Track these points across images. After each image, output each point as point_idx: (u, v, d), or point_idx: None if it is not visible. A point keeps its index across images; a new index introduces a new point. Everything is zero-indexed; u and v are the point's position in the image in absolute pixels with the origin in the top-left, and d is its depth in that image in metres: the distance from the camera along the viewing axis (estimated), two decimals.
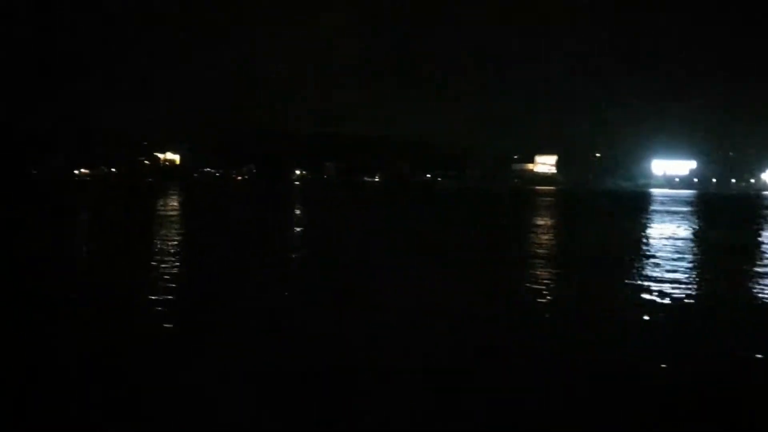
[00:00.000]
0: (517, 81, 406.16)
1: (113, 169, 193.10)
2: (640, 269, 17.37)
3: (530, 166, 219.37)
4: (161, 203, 51.83)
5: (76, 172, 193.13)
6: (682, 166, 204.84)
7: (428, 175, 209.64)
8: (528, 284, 14.57)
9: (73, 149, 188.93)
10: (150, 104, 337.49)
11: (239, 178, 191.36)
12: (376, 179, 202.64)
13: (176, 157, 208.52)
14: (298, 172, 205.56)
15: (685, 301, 12.94)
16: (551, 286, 14.64)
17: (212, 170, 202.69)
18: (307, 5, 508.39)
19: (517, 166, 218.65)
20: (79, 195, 69.17)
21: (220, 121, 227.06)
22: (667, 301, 12.69)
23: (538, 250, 21.92)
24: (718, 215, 54.78)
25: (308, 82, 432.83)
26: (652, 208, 60.46)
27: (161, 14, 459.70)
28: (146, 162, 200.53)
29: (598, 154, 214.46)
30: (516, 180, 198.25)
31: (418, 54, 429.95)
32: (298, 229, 33.64)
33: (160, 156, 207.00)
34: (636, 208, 60.78)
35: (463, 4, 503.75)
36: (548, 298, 13.12)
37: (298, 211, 48.34)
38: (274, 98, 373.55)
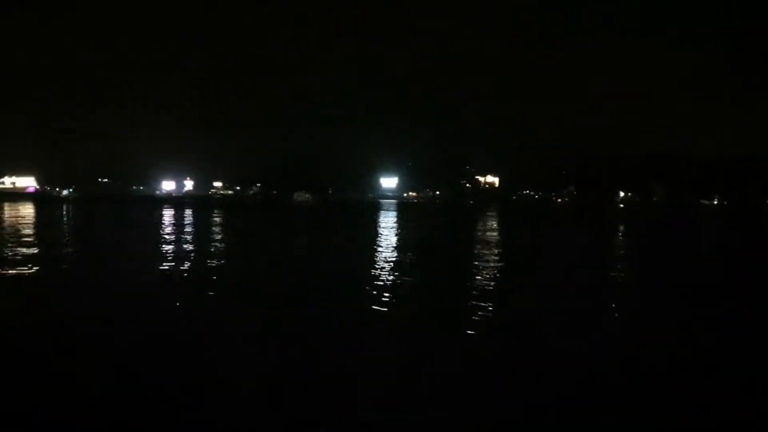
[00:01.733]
0: None
1: (437, 192, 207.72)
2: None
3: None
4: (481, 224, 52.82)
5: (404, 195, 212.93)
6: None
7: None
8: None
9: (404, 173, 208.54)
10: (469, 128, 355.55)
11: (559, 200, 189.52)
12: (714, 202, 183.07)
13: (495, 180, 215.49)
14: (622, 194, 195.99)
15: None
16: None
17: (531, 192, 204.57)
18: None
19: None
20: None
21: (539, 144, 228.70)
22: None
23: None
24: None
25: (630, 103, 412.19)
26: None
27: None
28: (468, 185, 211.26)
29: None
30: None
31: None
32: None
33: (481, 179, 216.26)
34: None
35: None
36: None
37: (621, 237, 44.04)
38: (597, 119, 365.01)
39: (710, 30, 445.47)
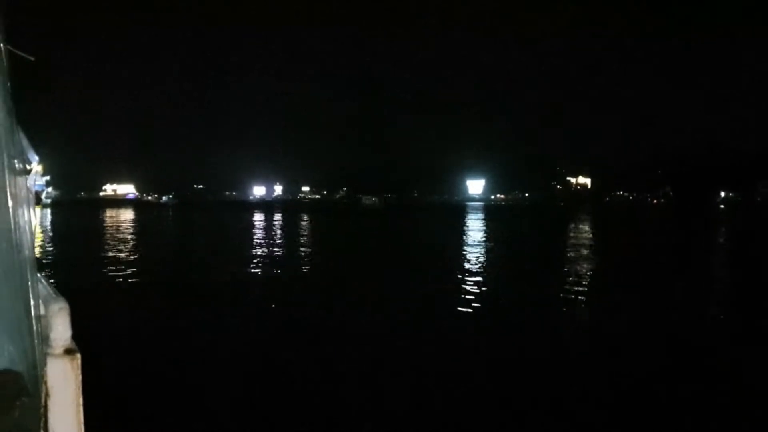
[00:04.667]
0: None
1: (526, 194, 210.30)
2: None
3: None
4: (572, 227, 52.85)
5: (492, 197, 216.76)
6: None
7: None
8: None
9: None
10: (559, 129, 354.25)
11: (654, 201, 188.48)
12: None
13: (587, 181, 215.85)
14: (723, 194, 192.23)
15: None
16: None
17: (625, 193, 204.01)
18: None
19: None
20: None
21: (631, 141, 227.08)
22: None
23: None
24: None
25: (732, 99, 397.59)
26: None
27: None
28: (558, 186, 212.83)
29: None
30: None
31: None
32: None
33: (572, 180, 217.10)
34: None
35: None
36: None
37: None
38: (697, 116, 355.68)
39: None
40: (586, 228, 53.10)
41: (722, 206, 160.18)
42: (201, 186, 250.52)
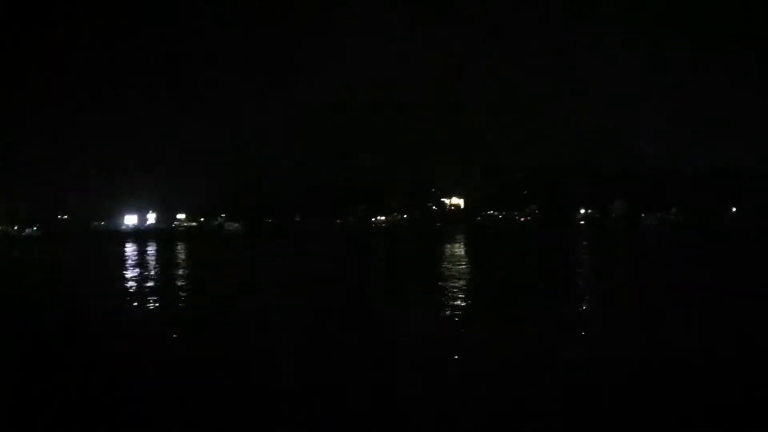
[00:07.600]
0: None
1: (405, 216, 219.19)
2: None
3: None
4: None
5: (372, 219, 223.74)
6: None
7: None
8: None
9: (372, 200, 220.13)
10: (434, 151, 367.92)
11: (522, 219, 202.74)
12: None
13: (461, 202, 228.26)
14: (582, 211, 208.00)
15: None
16: None
17: (495, 213, 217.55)
18: None
19: None
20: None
21: (503, 162, 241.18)
22: None
23: None
24: None
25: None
26: None
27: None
28: (434, 207, 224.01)
29: None
30: None
31: None
32: None
33: (446, 201, 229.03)
34: None
35: None
36: None
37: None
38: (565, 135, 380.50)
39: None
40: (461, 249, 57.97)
41: (582, 222, 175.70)
42: (66, 216, 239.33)
